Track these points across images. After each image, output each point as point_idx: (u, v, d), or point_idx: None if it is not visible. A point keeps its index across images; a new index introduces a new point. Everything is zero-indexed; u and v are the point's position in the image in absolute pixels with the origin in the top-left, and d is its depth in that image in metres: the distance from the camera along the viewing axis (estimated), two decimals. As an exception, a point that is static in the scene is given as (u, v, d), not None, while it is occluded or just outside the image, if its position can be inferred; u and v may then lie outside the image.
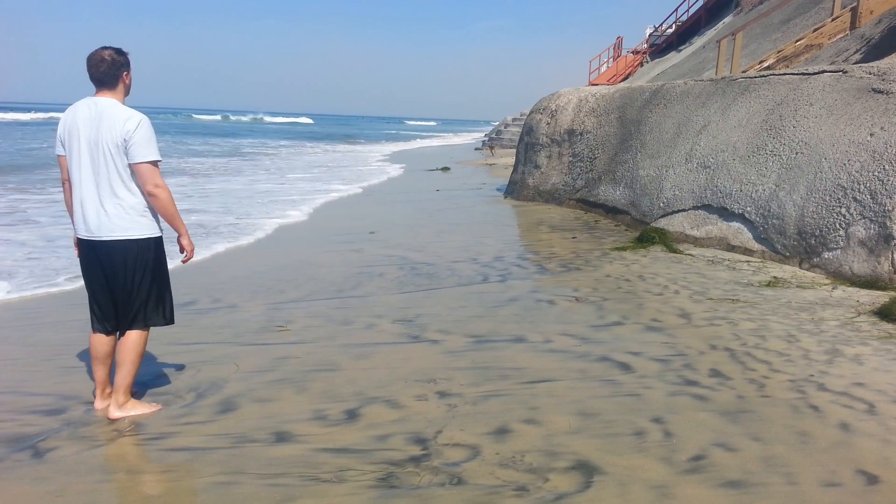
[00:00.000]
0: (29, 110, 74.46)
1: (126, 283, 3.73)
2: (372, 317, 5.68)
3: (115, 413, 3.82)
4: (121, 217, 3.65)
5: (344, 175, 21.06)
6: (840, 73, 7.89)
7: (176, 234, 3.89)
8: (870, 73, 7.54)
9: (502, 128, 38.03)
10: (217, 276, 7.28)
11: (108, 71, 3.62)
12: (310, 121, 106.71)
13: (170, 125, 60.73)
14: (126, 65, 3.71)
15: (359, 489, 3.06)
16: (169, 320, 3.95)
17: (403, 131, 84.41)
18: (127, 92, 3.76)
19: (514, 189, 13.67)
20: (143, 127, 3.59)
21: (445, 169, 22.20)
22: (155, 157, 3.65)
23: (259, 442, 3.53)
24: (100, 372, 3.94)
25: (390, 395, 4.08)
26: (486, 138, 40.39)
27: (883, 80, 7.29)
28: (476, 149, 37.29)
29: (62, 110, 3.91)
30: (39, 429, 3.72)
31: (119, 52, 3.69)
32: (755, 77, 9.10)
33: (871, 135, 6.72)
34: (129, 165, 3.61)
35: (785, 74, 8.64)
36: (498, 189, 15.35)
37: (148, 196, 3.68)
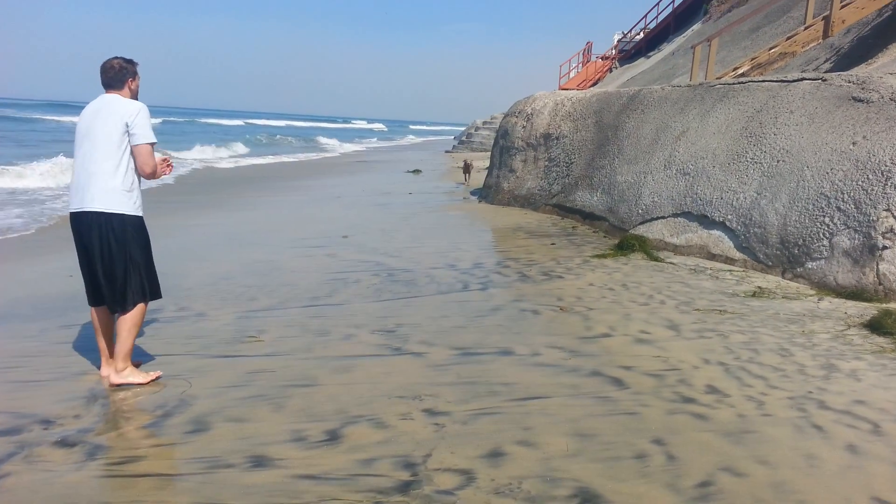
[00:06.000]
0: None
1: (103, 257, 4.03)
2: (350, 327, 5.42)
3: (114, 379, 4.18)
4: (104, 192, 3.97)
5: (308, 177, 20.68)
6: (819, 81, 7.87)
7: None
8: (849, 82, 7.53)
9: (472, 131, 37.92)
10: (182, 280, 6.93)
11: (115, 76, 4.13)
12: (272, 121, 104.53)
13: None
14: (132, 72, 4.20)
15: (345, 522, 2.82)
16: (154, 296, 4.26)
17: (358, 131, 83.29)
18: (133, 96, 4.22)
19: (489, 193, 13.49)
20: (143, 113, 4.06)
21: (417, 171, 21.96)
22: (153, 139, 4.11)
23: (234, 467, 3.25)
24: (101, 342, 4.31)
25: (373, 413, 3.83)
26: (457, 142, 40.22)
27: (863, 88, 7.28)
28: (446, 151, 37.10)
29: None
30: (-10, 453, 3.39)
31: (128, 61, 4.21)
32: (734, 83, 9.05)
33: (854, 144, 6.68)
34: (131, 147, 4.03)
35: (764, 81, 8.60)
36: (472, 193, 15.16)
37: (145, 176, 4.13)
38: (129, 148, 4.04)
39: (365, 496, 2.99)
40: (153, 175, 4.16)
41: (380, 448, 3.43)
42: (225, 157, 30.75)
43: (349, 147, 46.45)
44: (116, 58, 4.18)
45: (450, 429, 3.62)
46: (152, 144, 4.10)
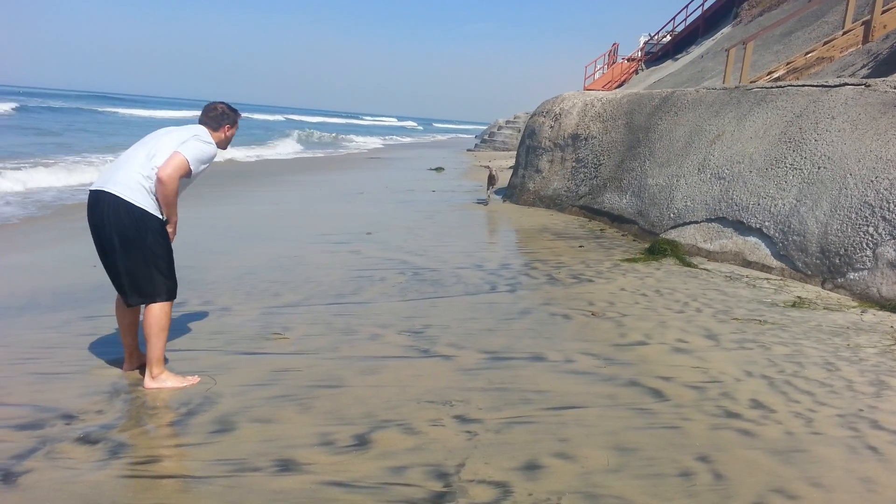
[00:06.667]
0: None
1: (113, 244, 3.86)
2: (376, 326, 5.29)
3: (148, 384, 4.02)
4: (130, 181, 3.83)
5: (331, 172, 20.63)
6: (863, 87, 7.62)
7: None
8: (895, 88, 7.28)
9: (495, 129, 37.72)
10: (206, 274, 6.84)
11: (213, 117, 4.17)
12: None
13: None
14: (231, 119, 4.23)
15: (377, 535, 2.68)
16: (166, 298, 4.02)
17: (378, 129, 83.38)
18: (223, 142, 4.23)
19: (514, 193, 13.32)
20: (201, 146, 3.96)
21: (439, 169, 21.82)
22: (191, 166, 3.90)
23: (260, 471, 3.13)
24: (125, 338, 4.24)
25: (403, 417, 3.69)
26: (479, 140, 40.04)
27: (910, 95, 7.02)
28: (468, 150, 36.94)
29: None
30: (12, 447, 3.30)
31: (233, 109, 4.27)
32: (772, 87, 8.81)
33: (901, 151, 6.43)
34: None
35: (804, 86, 8.35)
36: (496, 192, 14.98)
37: (157, 181, 3.84)
38: None
39: (396, 507, 2.86)
40: (163, 186, 3.83)
41: (410, 455, 3.29)
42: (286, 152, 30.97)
43: (373, 143, 46.43)
44: (223, 103, 4.25)
45: (483, 437, 3.48)
46: (189, 167, 3.87)
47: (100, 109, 59.05)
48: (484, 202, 13.19)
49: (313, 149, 33.95)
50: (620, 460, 3.25)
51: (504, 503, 2.89)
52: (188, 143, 3.92)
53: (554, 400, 3.94)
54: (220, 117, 4.18)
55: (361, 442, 3.42)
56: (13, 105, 45.52)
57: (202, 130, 4.08)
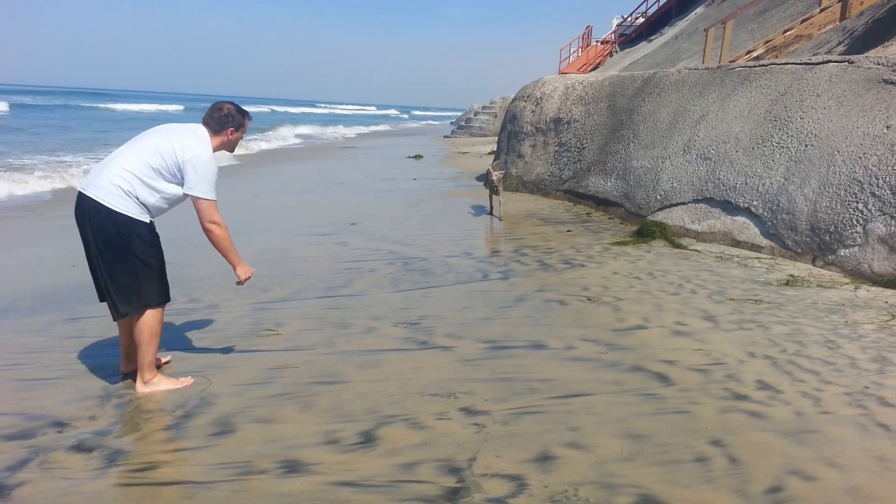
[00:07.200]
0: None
1: (91, 249, 3.69)
2: (370, 319, 5.19)
3: (140, 389, 3.86)
4: (111, 185, 3.61)
5: (310, 161, 20.37)
6: (846, 64, 7.62)
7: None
8: (879, 64, 7.28)
9: (471, 115, 37.55)
10: (191, 270, 6.68)
11: (217, 118, 3.87)
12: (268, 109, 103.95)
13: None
14: (237, 123, 3.93)
15: (394, 536, 2.60)
16: (156, 304, 3.84)
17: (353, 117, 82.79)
18: (226, 145, 3.97)
19: (496, 179, 13.22)
20: (202, 167, 3.70)
21: (418, 157, 21.65)
22: (210, 195, 3.75)
23: (267, 473, 3.03)
24: (122, 338, 4.08)
25: (408, 412, 3.61)
26: (455, 127, 39.86)
27: (894, 70, 7.03)
28: (445, 136, 36.75)
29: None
30: (3, 458, 3.16)
31: (241, 111, 3.97)
32: (755, 66, 8.79)
33: (888, 127, 6.45)
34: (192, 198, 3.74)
35: (787, 64, 8.34)
36: (478, 178, 14.89)
37: (206, 232, 3.80)
38: (163, 181, 3.70)
39: (411, 505, 2.77)
40: (212, 236, 3.81)
41: (419, 451, 3.21)
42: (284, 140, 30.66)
43: (352, 131, 46.04)
44: (231, 103, 3.98)
45: (491, 430, 3.40)
46: (212, 202, 3.75)
47: (79, 105, 57.82)
48: (496, 216, 9.79)
49: (292, 141, 33.50)
50: (634, 448, 3.20)
51: (520, 497, 2.82)
52: (194, 181, 3.68)
53: (559, 388, 3.88)
54: (223, 119, 3.89)
55: (368, 439, 3.33)
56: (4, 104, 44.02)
57: (200, 137, 3.80)
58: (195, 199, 3.73)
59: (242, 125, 3.98)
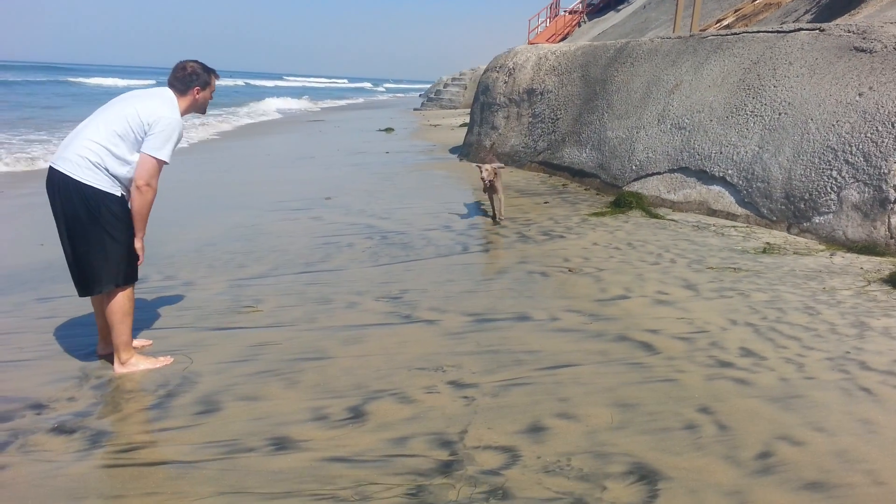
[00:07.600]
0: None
1: (62, 226, 3.57)
2: (351, 294, 5.13)
3: (118, 370, 3.79)
4: (79, 157, 3.50)
5: (278, 135, 20.04)
6: (818, 32, 7.66)
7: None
8: (849, 32, 7.33)
9: (441, 87, 37.21)
10: (162, 247, 6.51)
11: (181, 78, 3.74)
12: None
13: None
14: (203, 81, 3.79)
15: (390, 511, 2.57)
16: (124, 282, 3.70)
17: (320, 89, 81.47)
18: (196, 106, 3.83)
19: (470, 151, 13.15)
20: (168, 128, 3.57)
21: (389, 130, 21.42)
22: (163, 157, 3.60)
23: (255, 451, 2.98)
24: (97, 320, 3.96)
25: (395, 387, 3.58)
26: (425, 99, 39.49)
27: (864, 38, 7.09)
28: (415, 109, 36.42)
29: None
30: (-21, 444, 3.06)
31: (206, 69, 3.81)
32: (728, 35, 8.80)
33: (860, 95, 6.51)
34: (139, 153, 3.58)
35: (759, 32, 8.36)
36: (451, 150, 14.79)
37: (135, 190, 3.58)
38: (133, 151, 3.56)
39: (404, 479, 2.75)
40: (140, 195, 3.57)
41: (410, 425, 3.18)
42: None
43: (320, 105, 45.33)
44: (196, 61, 3.81)
45: (481, 402, 3.39)
46: (159, 162, 3.58)
47: (53, 80, 55.80)
48: (495, 219, 7.73)
49: (259, 117, 32.94)
50: (623, 417, 3.21)
51: (514, 468, 2.81)
52: (150, 139, 3.54)
53: (546, 359, 3.88)
54: (188, 78, 3.74)
55: (357, 414, 3.29)
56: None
57: (166, 99, 3.68)
58: (143, 155, 3.55)
59: (209, 83, 3.84)
